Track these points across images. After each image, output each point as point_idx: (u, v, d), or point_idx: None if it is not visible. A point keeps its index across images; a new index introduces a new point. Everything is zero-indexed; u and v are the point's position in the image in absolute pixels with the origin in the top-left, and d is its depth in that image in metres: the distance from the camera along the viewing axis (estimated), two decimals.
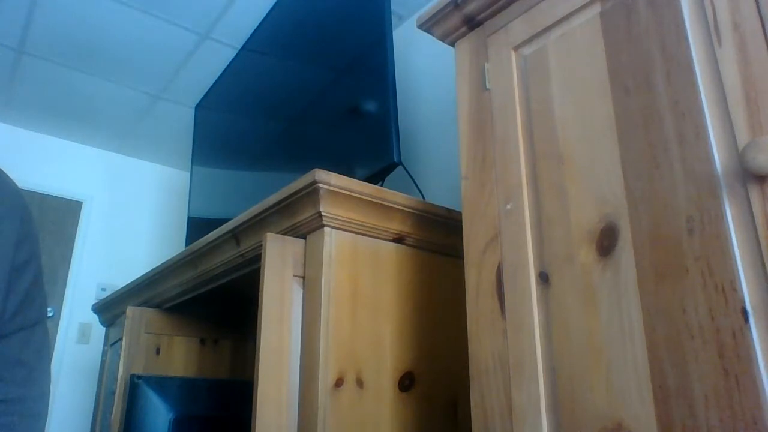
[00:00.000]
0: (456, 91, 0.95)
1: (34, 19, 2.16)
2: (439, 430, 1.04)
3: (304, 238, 1.03)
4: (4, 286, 0.64)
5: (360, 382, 0.96)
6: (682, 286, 0.60)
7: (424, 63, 1.94)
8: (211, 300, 1.56)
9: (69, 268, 2.89)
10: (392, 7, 1.56)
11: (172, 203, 3.32)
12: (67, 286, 2.86)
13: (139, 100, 2.71)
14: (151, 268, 1.68)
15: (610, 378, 0.64)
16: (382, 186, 1.14)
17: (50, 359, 0.73)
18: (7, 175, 0.71)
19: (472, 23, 0.95)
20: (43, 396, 0.69)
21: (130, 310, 1.63)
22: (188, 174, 3.22)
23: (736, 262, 0.56)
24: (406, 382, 1.02)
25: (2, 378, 0.64)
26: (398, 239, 1.09)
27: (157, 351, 1.64)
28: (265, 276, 0.97)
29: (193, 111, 2.76)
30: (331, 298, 0.97)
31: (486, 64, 0.91)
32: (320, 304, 0.95)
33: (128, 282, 1.83)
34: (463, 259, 0.86)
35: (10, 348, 0.66)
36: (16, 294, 0.66)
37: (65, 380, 2.73)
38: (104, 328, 2.12)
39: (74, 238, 2.95)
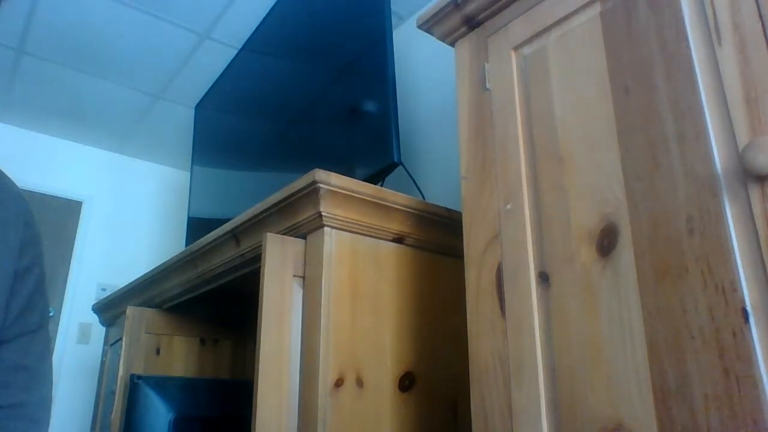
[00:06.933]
0: (456, 91, 0.95)
1: (34, 19, 2.16)
2: (439, 430, 1.04)
3: (304, 238, 1.03)
4: (7, 291, 0.64)
5: (360, 382, 0.96)
6: (682, 286, 0.60)
7: (424, 63, 1.94)
8: (211, 300, 1.56)
9: (69, 268, 2.89)
10: (392, 7, 1.56)
11: (172, 203, 3.32)
12: (67, 286, 2.86)
13: (139, 100, 2.71)
14: (151, 268, 1.68)
15: (610, 378, 0.64)
16: (382, 186, 1.14)
17: (51, 364, 0.72)
18: (9, 179, 0.71)
19: (472, 23, 0.95)
20: (45, 401, 0.69)
21: (130, 310, 1.63)
22: (188, 174, 3.22)
23: (736, 262, 0.56)
24: (406, 382, 1.02)
25: (4, 383, 0.64)
26: (398, 239, 1.09)
27: (157, 351, 1.64)
28: (265, 276, 0.97)
29: (193, 111, 2.76)
30: (331, 298, 0.97)
31: (486, 64, 0.91)
32: (320, 304, 0.95)
33: (128, 282, 1.83)
34: (463, 259, 0.86)
35: (12, 353, 0.65)
36: (18, 299, 0.66)
37: (65, 380, 2.73)
38: (104, 328, 2.12)
39: (74, 238, 2.95)
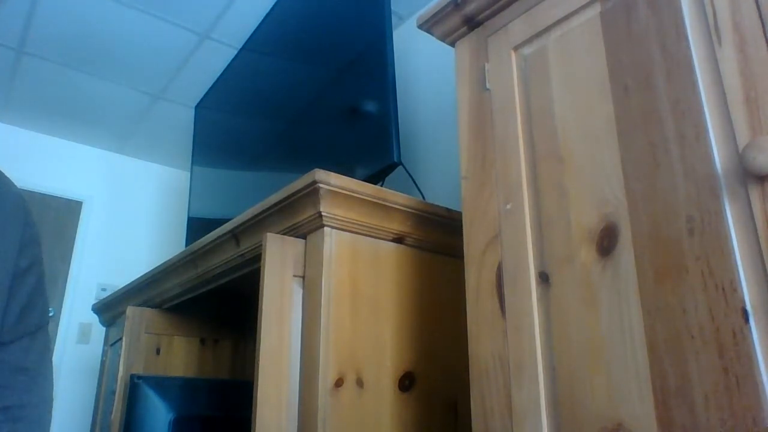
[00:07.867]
0: (456, 91, 0.95)
1: (34, 19, 2.16)
2: (439, 430, 1.04)
3: (304, 238, 1.03)
4: (6, 293, 0.64)
5: (360, 382, 0.96)
6: (682, 286, 0.60)
7: (424, 63, 1.94)
8: (211, 300, 1.56)
9: (69, 268, 2.89)
10: (392, 7, 1.56)
11: (172, 203, 3.32)
12: (67, 286, 2.86)
13: (139, 100, 2.71)
14: (151, 268, 1.68)
15: (610, 378, 0.64)
16: (382, 186, 1.14)
17: (52, 364, 0.72)
18: (8, 179, 0.71)
19: (472, 23, 0.95)
20: (46, 402, 0.69)
21: (130, 310, 1.63)
22: (188, 174, 3.21)
23: (736, 262, 0.56)
24: (406, 382, 1.02)
25: (4, 385, 0.64)
26: (398, 239, 1.09)
27: (157, 351, 1.64)
28: (265, 276, 0.97)
29: (193, 111, 2.76)
30: (331, 298, 0.97)
31: (486, 64, 0.91)
32: (320, 304, 0.95)
33: (128, 282, 1.83)
34: (463, 259, 0.86)
35: (12, 354, 0.65)
36: (18, 300, 0.66)
37: (65, 380, 2.73)
38: (104, 328, 2.12)
39: (74, 238, 2.95)
